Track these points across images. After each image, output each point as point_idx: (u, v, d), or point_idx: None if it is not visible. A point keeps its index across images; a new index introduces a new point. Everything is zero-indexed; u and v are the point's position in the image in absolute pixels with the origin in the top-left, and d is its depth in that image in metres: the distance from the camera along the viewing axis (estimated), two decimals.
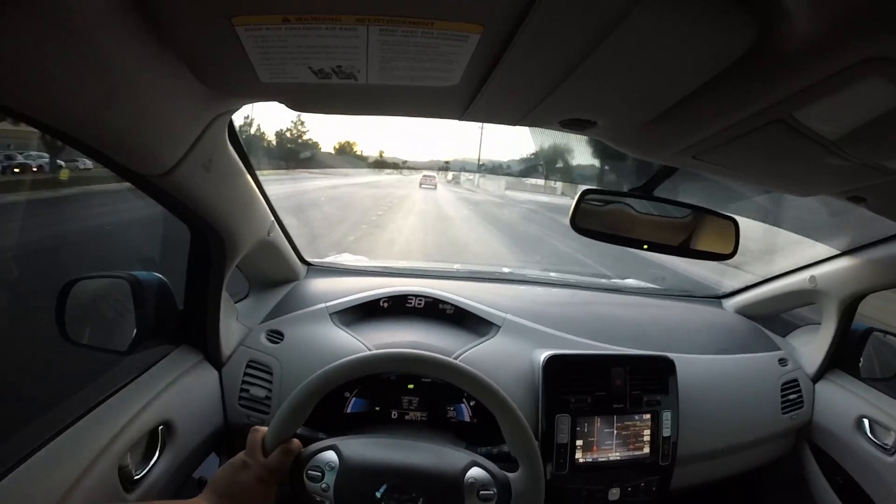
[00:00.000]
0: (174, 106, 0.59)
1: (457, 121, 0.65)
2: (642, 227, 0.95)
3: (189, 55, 0.49)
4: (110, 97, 0.50)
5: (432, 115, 0.66)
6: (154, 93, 0.54)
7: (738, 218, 1.00)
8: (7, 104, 0.48)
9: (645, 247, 0.95)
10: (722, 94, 0.50)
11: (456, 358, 1.10)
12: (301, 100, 0.60)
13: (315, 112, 0.64)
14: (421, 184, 20.22)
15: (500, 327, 1.23)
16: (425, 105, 0.62)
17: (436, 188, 20.13)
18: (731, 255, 0.97)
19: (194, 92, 0.58)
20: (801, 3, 0.35)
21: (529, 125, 0.66)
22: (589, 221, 0.94)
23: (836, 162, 0.61)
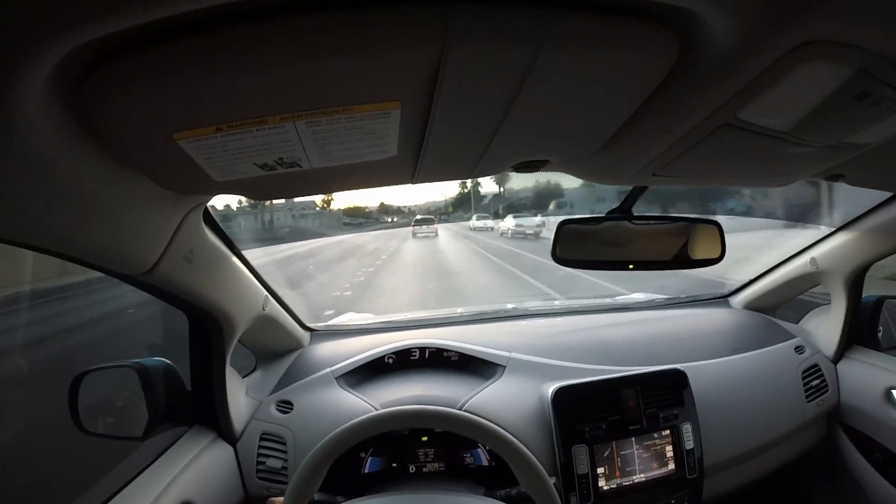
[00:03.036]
0: (145, 212, 0.61)
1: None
2: (627, 247, 0.95)
3: (146, 169, 0.52)
4: (82, 216, 0.53)
5: (385, 184, 0.68)
6: (123, 205, 0.56)
7: (720, 219, 1.01)
8: None
9: (631, 266, 0.95)
10: (661, 111, 0.50)
11: (462, 405, 1.09)
12: (259, 190, 0.62)
13: (276, 198, 0.67)
14: (415, 233, 17.78)
15: (505, 367, 1.22)
16: (375, 176, 0.63)
17: (437, 235, 17.66)
18: (720, 259, 0.97)
19: (161, 196, 0.60)
20: (714, 8, 0.35)
21: (481, 175, 0.68)
22: (572, 251, 0.95)
23: (800, 150, 0.60)
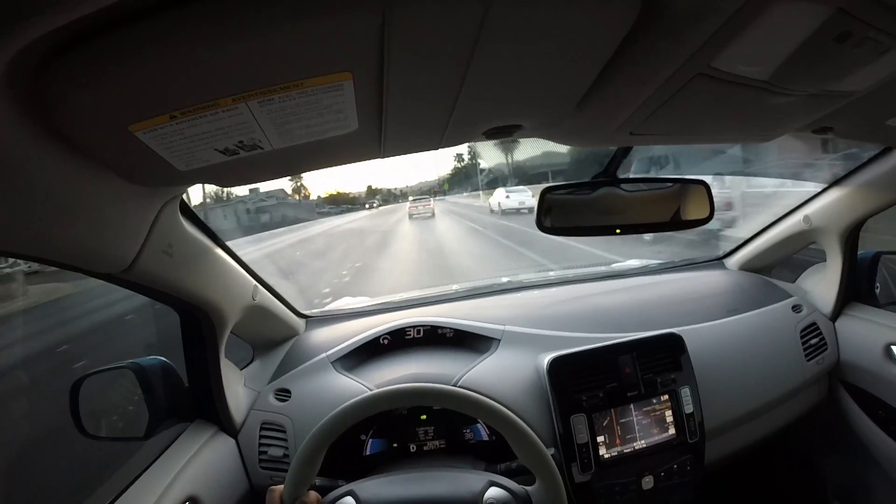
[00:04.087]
0: (117, 208, 0.61)
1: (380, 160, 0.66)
2: (617, 212, 0.94)
3: (112, 164, 0.52)
4: (53, 217, 0.52)
5: (354, 160, 0.67)
6: (94, 202, 0.56)
7: (707, 178, 1.00)
8: None
9: (618, 231, 0.94)
10: (631, 65, 0.49)
11: (457, 381, 1.10)
12: (225, 177, 0.61)
13: (245, 184, 0.66)
14: (411, 214, 16.36)
15: (499, 340, 1.22)
16: (342, 152, 0.62)
17: (433, 215, 15.77)
18: (710, 218, 0.96)
19: (131, 192, 0.60)
20: None
21: (452, 144, 0.67)
22: (559, 219, 0.94)
23: (783, 100, 0.58)
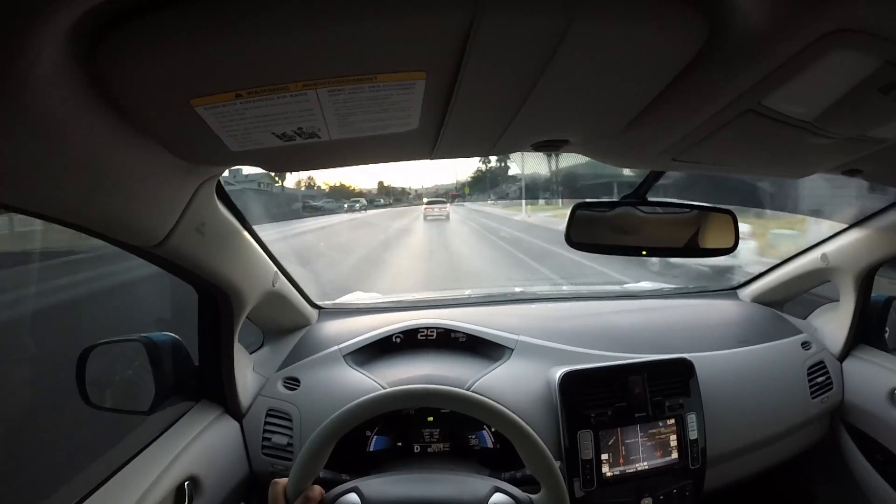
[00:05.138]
0: (157, 182, 0.61)
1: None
2: (641, 232, 0.95)
3: (161, 136, 0.52)
4: (94, 184, 0.52)
5: (403, 159, 0.67)
6: (136, 173, 0.56)
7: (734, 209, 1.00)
8: None
9: (644, 252, 0.95)
10: (686, 93, 0.50)
11: (469, 386, 1.10)
12: (275, 161, 0.62)
13: (292, 170, 0.66)
14: (426, 216, 16.92)
15: (513, 350, 1.22)
16: (393, 150, 0.63)
17: (448, 218, 16.43)
18: (734, 249, 0.97)
19: (174, 166, 0.60)
20: None
21: (501, 153, 0.68)
22: (585, 236, 0.95)
23: (821, 141, 0.60)
